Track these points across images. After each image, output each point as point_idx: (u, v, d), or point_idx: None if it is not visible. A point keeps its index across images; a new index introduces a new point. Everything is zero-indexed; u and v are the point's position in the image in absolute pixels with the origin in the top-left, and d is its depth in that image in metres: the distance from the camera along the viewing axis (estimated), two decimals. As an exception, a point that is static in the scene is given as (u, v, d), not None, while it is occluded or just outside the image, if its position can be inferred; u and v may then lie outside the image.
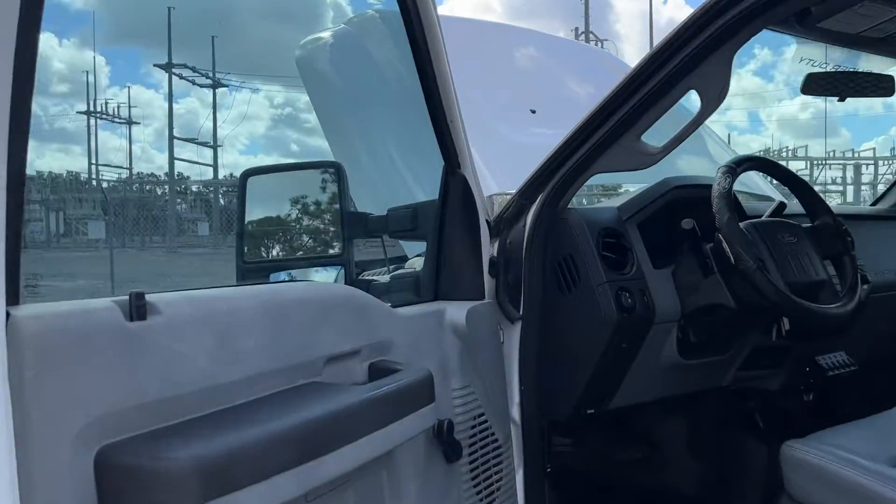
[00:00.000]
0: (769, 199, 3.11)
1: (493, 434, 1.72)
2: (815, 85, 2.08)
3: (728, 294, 1.90)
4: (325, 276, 1.83)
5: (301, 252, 1.88)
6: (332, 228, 1.83)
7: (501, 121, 2.86)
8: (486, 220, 1.88)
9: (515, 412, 1.89)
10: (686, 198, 2.05)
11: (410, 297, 1.79)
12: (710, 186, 1.92)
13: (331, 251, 1.84)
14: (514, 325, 1.89)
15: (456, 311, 1.64)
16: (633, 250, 1.92)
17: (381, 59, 3.00)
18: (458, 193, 1.74)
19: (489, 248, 1.88)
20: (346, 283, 1.80)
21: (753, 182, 3.30)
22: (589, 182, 1.93)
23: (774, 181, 2.69)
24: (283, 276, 1.83)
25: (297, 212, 1.85)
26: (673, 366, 2.04)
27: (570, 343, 1.90)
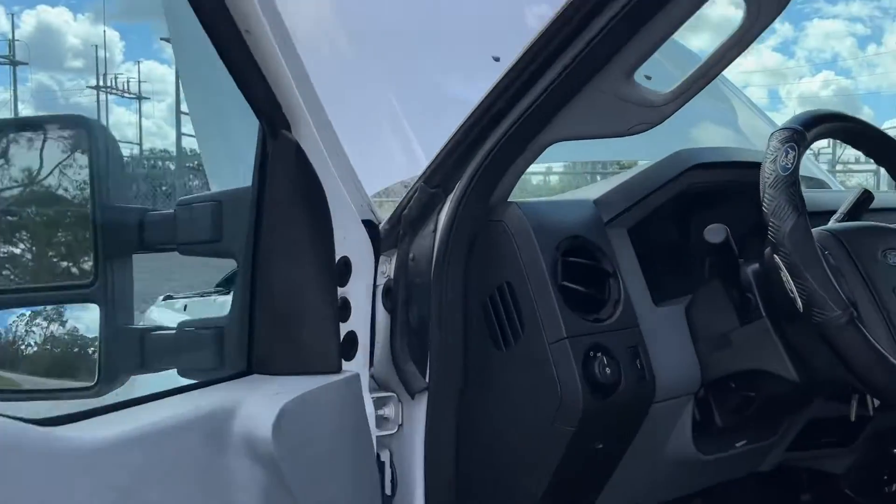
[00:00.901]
0: (821, 184, 2.25)
1: None
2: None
3: (785, 357, 1.09)
4: (69, 321, 1.03)
5: (22, 278, 1.06)
6: (76, 236, 1.02)
7: (446, 72, 2.03)
8: (371, 220, 1.08)
9: (416, 549, 1.11)
10: (712, 185, 1.24)
11: (207, 366, 0.99)
12: (755, 166, 1.11)
13: (74, 276, 1.02)
14: (417, 402, 1.12)
15: (256, 410, 0.83)
16: (618, 276, 1.11)
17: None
18: (288, 173, 0.94)
19: (370, 268, 1.08)
20: (101, 331, 1.00)
21: None
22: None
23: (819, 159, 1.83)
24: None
25: (17, 206, 1.03)
26: (684, 462, 1.24)
27: (509, 437, 1.11)
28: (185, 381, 1.01)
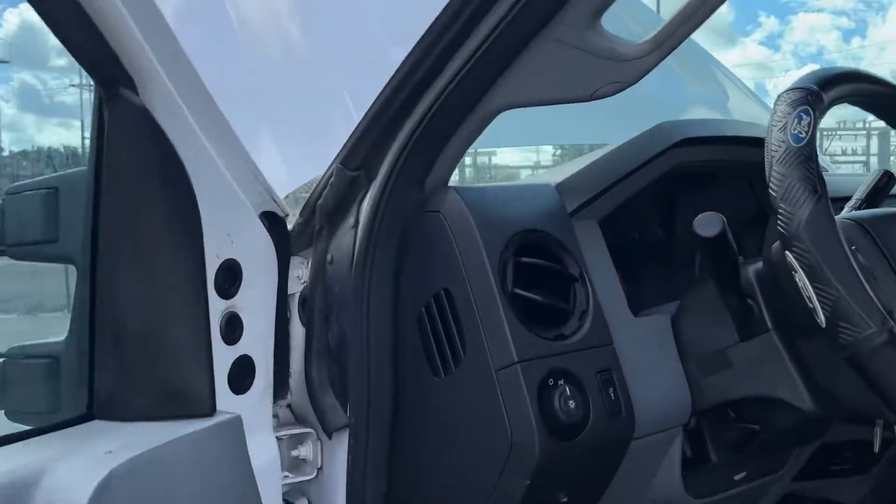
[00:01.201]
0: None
1: None
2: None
3: (798, 381, 0.88)
4: None
5: None
6: None
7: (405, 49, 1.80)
8: (274, 213, 0.85)
9: None
10: (704, 165, 1.04)
11: (40, 408, 0.75)
12: (758, 142, 0.88)
13: None
14: (338, 440, 0.91)
15: (69, 477, 0.59)
16: (586, 281, 0.88)
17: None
18: (131, 148, 0.70)
19: (271, 273, 0.85)
20: None
21: None
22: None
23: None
24: None
25: None
26: None
27: (450, 489, 0.89)
28: (19, 428, 0.77)
